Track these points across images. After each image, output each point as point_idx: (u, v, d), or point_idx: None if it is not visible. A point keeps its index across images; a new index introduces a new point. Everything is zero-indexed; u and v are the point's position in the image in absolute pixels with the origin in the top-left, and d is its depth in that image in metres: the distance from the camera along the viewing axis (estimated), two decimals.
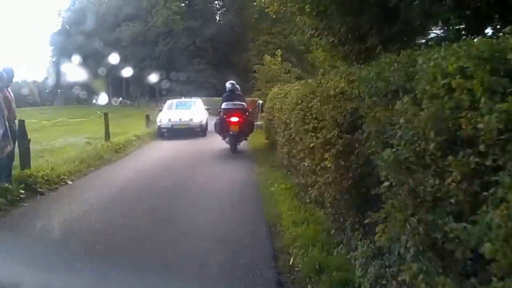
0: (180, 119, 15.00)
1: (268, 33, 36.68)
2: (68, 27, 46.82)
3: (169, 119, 15.08)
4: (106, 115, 12.06)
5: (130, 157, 10.81)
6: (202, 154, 10.81)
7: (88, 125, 16.32)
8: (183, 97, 23.29)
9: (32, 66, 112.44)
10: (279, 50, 28.45)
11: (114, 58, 33.25)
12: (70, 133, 14.78)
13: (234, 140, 10.52)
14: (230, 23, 39.04)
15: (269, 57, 28.66)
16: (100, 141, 11.36)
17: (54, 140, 12.94)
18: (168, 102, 17.63)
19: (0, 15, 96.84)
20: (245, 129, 10.68)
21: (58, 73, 46.01)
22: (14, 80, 7.41)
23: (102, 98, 39.14)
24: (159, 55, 36.06)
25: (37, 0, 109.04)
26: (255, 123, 12.97)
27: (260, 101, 17.79)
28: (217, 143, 11.39)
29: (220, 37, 34.27)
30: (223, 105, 10.78)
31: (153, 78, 31.64)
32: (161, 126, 15.00)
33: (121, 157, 10.50)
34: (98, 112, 18.37)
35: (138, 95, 41.78)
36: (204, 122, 15.44)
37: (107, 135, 11.65)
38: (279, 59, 28.37)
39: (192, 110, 16.07)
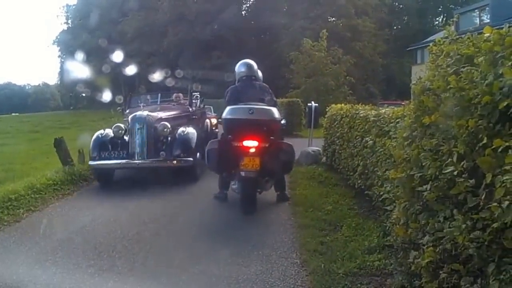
0: None
1: (304, 17, 29.31)
2: (71, 25, 41.90)
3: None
4: None
5: None
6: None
7: None
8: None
9: (41, 68, 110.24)
10: (324, 31, 20.94)
11: (118, 56, 28.29)
12: None
13: (251, 187, 4.72)
14: (256, 6, 31.88)
15: (310, 42, 21.17)
16: None
17: None
18: None
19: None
20: (274, 166, 4.69)
21: (68, 74, 42.21)
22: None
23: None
24: (168, 48, 29.27)
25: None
26: (308, 148, 8.41)
27: (314, 104, 10.49)
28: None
29: (244, 24, 27.21)
30: (227, 112, 4.88)
31: (160, 76, 25.51)
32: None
33: None
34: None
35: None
36: None
37: None
38: (324, 43, 20.87)
39: None
